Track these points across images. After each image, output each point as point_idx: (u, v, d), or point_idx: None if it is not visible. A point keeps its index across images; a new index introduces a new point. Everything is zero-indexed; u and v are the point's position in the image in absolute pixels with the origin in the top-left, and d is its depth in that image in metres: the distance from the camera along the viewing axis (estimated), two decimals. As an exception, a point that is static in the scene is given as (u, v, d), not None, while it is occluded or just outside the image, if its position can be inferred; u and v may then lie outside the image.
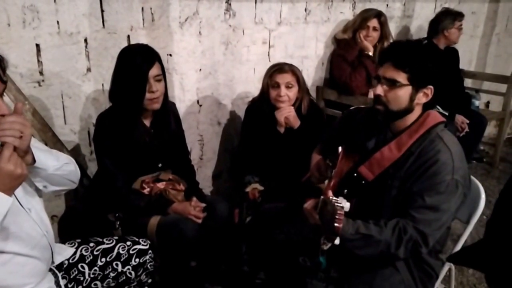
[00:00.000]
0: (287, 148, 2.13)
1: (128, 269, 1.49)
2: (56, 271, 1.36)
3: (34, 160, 1.17)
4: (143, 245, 1.54)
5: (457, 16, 3.10)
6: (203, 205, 1.86)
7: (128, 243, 1.52)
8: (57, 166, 1.27)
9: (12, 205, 1.07)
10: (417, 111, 1.45)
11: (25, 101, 1.76)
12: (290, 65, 2.11)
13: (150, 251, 1.55)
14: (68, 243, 1.47)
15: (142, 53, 1.69)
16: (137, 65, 1.65)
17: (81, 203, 1.44)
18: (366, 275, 1.43)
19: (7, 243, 1.15)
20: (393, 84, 1.39)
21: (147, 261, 1.54)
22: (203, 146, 2.56)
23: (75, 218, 2.02)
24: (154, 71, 1.67)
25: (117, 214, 1.79)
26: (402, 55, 1.39)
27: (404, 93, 1.39)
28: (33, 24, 1.76)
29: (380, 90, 1.41)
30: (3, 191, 1.04)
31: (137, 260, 1.51)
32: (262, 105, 2.15)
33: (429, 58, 1.40)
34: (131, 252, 1.50)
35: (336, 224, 1.20)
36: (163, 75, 1.73)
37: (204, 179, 2.59)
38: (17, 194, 1.18)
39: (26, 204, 1.22)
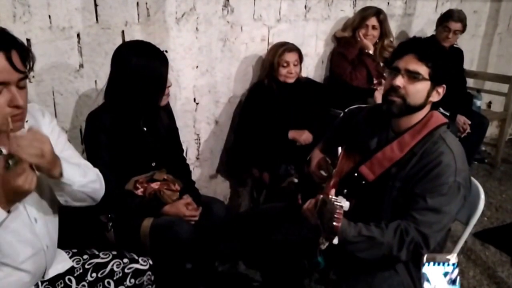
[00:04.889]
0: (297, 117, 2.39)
1: None
2: (38, 282, 1.28)
3: (61, 174, 1.13)
4: (141, 264, 1.42)
5: (445, 16, 3.05)
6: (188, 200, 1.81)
7: (125, 260, 1.41)
8: (83, 183, 1.22)
9: (15, 217, 1.06)
10: (425, 110, 1.43)
11: (15, 98, 1.71)
12: (293, 44, 2.39)
13: (149, 272, 1.43)
14: (64, 252, 1.40)
15: (156, 56, 1.65)
16: (155, 69, 1.63)
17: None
18: (365, 277, 1.41)
19: None
20: (415, 76, 1.36)
21: (144, 283, 1.42)
22: (199, 145, 2.51)
23: (65, 219, 1.96)
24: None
25: (109, 215, 1.74)
26: (426, 49, 1.37)
27: (423, 88, 1.38)
28: (23, 18, 1.71)
29: (400, 81, 1.38)
30: (2, 202, 1.02)
31: (132, 280, 1.39)
32: (271, 84, 2.37)
33: (448, 56, 1.40)
34: (126, 271, 1.39)
35: (334, 223, 1.19)
36: None
37: (201, 179, 2.54)
38: (25, 202, 1.14)
39: (33, 213, 1.17)
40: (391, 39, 2.83)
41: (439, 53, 1.39)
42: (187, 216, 1.74)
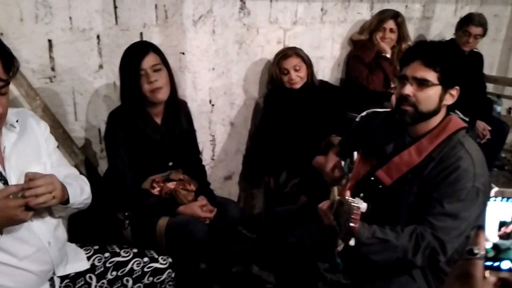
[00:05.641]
0: (310, 122, 2.34)
1: (139, 287, 1.40)
2: (56, 282, 1.29)
3: (68, 201, 1.20)
4: (161, 263, 1.45)
5: (465, 20, 3.00)
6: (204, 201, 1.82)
7: (146, 259, 1.43)
8: (80, 201, 1.28)
9: None
10: (441, 114, 1.41)
11: (36, 97, 1.75)
12: (293, 48, 2.33)
13: (169, 270, 1.46)
14: (85, 249, 1.42)
15: (134, 46, 1.72)
16: (129, 58, 1.68)
17: (90, 201, 1.40)
18: (381, 282, 1.39)
19: None
20: (423, 83, 1.34)
21: (165, 280, 1.44)
22: (214, 146, 2.52)
23: (84, 216, 1.99)
24: (149, 61, 1.66)
25: (126, 213, 1.76)
26: (432, 54, 1.35)
27: (434, 93, 1.35)
28: (45, 20, 1.75)
29: (409, 90, 1.35)
30: None
31: (150, 279, 1.41)
32: (281, 91, 2.34)
33: (458, 57, 1.36)
34: (145, 269, 1.42)
35: (352, 224, 1.19)
36: (165, 66, 1.71)
37: (215, 180, 2.55)
38: None
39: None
40: (409, 43, 2.79)
41: (447, 56, 1.36)
42: (201, 217, 1.75)
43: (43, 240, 1.21)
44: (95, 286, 1.35)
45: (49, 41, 1.78)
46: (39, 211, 1.21)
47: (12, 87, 1.67)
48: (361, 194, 1.46)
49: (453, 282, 0.65)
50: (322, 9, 2.64)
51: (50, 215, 1.26)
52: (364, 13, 2.86)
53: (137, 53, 1.67)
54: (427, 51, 1.36)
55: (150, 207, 1.72)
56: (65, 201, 1.20)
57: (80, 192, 1.28)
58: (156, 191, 1.78)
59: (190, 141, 1.96)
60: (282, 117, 2.36)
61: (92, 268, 1.37)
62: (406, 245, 1.29)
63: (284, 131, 2.35)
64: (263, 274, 2.20)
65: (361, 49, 2.74)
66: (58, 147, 1.40)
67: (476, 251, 0.64)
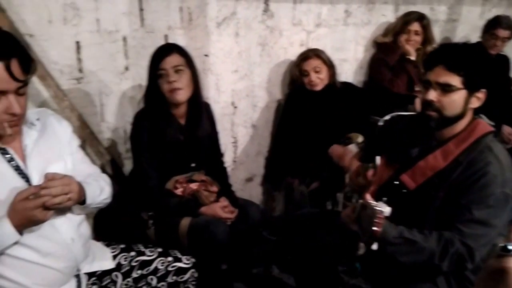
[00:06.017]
0: (330, 125, 2.32)
1: (163, 285, 1.42)
2: (83, 279, 1.31)
3: (84, 201, 1.23)
4: (185, 263, 1.46)
5: (492, 23, 2.93)
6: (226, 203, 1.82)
7: (170, 258, 1.45)
8: (99, 201, 1.31)
9: None
10: (468, 117, 1.38)
11: (64, 98, 1.79)
12: (314, 50, 2.32)
13: (192, 270, 1.47)
14: (111, 248, 1.44)
15: (160, 47, 1.75)
16: (152, 58, 1.71)
17: (115, 200, 1.42)
18: (403, 289, 1.37)
19: (16, 248, 1.13)
20: (447, 88, 1.31)
21: (188, 280, 1.46)
22: (236, 148, 2.53)
23: (110, 215, 2.03)
24: (171, 61, 1.68)
25: (150, 213, 1.79)
26: (455, 58, 1.32)
27: (459, 97, 1.32)
28: (73, 22, 1.79)
29: (432, 95, 1.33)
30: (16, 226, 1.07)
31: (174, 278, 1.43)
32: (301, 93, 2.35)
33: (483, 59, 1.33)
34: (169, 269, 1.43)
35: (374, 228, 1.17)
36: (189, 68, 1.73)
37: (236, 182, 2.56)
38: None
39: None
40: (434, 45, 2.75)
41: (470, 59, 1.32)
42: (223, 218, 1.75)
43: (66, 236, 1.22)
44: (121, 284, 1.37)
45: (77, 43, 1.82)
46: (60, 209, 1.23)
47: (41, 88, 1.72)
48: (384, 199, 1.44)
49: (487, 279, 0.64)
50: (346, 11, 2.63)
51: (72, 212, 1.28)
52: (389, 15, 2.83)
53: (160, 53, 1.69)
54: (450, 55, 1.33)
55: (173, 207, 1.74)
56: (82, 201, 1.22)
57: (99, 192, 1.30)
58: (179, 191, 1.80)
59: (213, 142, 1.98)
60: (301, 119, 2.35)
61: (118, 267, 1.39)
62: (434, 249, 1.27)
63: (303, 133, 2.34)
64: (283, 276, 2.19)
65: (385, 52, 2.72)
66: (85, 147, 1.43)
67: (510, 247, 0.63)
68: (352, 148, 2.21)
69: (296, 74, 2.35)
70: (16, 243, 1.11)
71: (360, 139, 2.25)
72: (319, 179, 2.27)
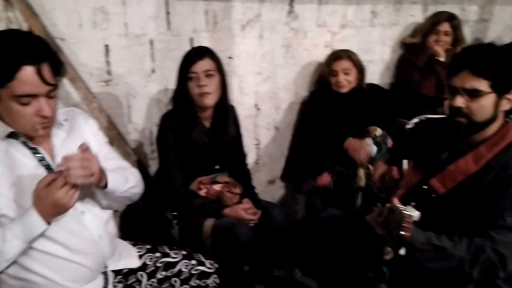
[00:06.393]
0: (352, 128, 2.28)
1: None
2: (110, 277, 1.33)
3: (106, 185, 1.20)
4: (207, 267, 1.46)
5: None
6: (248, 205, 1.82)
7: (193, 262, 1.45)
8: (124, 189, 1.28)
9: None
10: (500, 120, 1.33)
11: (93, 99, 1.84)
12: (346, 51, 2.28)
13: (215, 275, 1.47)
14: (137, 248, 1.46)
15: (193, 50, 1.77)
16: (184, 61, 1.72)
17: (141, 200, 1.44)
18: (431, 298, 1.33)
19: (47, 244, 1.15)
20: (475, 94, 1.26)
21: (210, 285, 1.46)
22: (259, 150, 2.53)
23: (136, 214, 2.07)
24: (203, 66, 1.69)
25: (174, 213, 1.81)
26: (480, 61, 1.26)
27: (488, 101, 1.27)
28: (102, 25, 1.83)
29: (460, 101, 1.28)
30: (42, 215, 1.08)
31: (197, 281, 1.43)
32: (326, 93, 2.32)
33: (510, 60, 1.27)
34: (192, 272, 1.44)
35: (402, 233, 1.15)
36: (219, 73, 1.74)
37: (259, 183, 2.55)
38: None
39: (80, 207, 1.22)
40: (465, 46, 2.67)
41: (496, 60, 1.26)
42: (246, 219, 1.76)
43: (94, 233, 1.25)
44: (145, 284, 1.39)
45: (106, 46, 1.87)
46: (88, 205, 1.25)
47: (71, 89, 1.78)
48: (413, 203, 1.41)
49: None
50: (372, 12, 2.59)
51: (100, 208, 1.30)
52: (417, 16, 2.77)
53: (192, 56, 1.71)
54: (474, 59, 1.27)
55: (196, 208, 1.75)
56: (104, 186, 1.21)
57: (123, 181, 1.29)
58: (203, 192, 1.81)
59: (237, 145, 1.99)
60: (323, 119, 2.33)
61: (143, 267, 1.41)
62: (464, 256, 1.23)
63: (324, 134, 2.31)
64: (306, 280, 2.17)
65: (413, 53, 2.66)
66: (112, 147, 1.45)
67: None
68: (368, 141, 2.18)
69: (324, 72, 2.33)
70: (43, 235, 1.13)
71: (378, 132, 2.22)
72: (332, 173, 2.26)
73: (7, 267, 1.14)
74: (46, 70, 1.08)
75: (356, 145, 2.21)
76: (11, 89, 1.05)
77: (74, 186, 1.08)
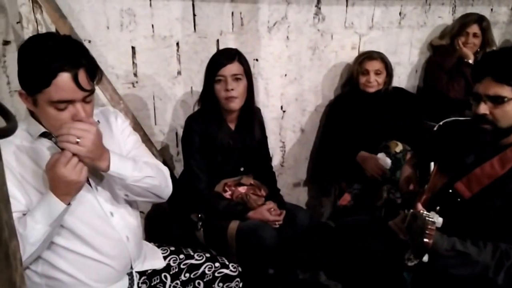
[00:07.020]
0: (377, 130, 2.26)
1: None
2: (135, 277, 1.34)
3: (108, 167, 1.14)
4: (231, 270, 1.46)
5: None
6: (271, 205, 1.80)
7: (217, 264, 1.45)
8: (137, 178, 1.21)
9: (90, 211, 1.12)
10: None
11: (120, 101, 1.85)
12: (379, 53, 2.30)
13: (237, 279, 1.46)
14: (162, 249, 1.47)
15: (223, 52, 1.77)
16: (212, 62, 1.72)
17: (167, 201, 1.44)
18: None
19: (75, 243, 1.17)
20: (499, 100, 1.25)
21: None
22: (284, 153, 2.51)
23: (161, 216, 2.08)
24: (231, 69, 1.68)
25: (199, 215, 1.81)
26: (502, 67, 1.24)
27: None
28: (129, 27, 1.85)
29: (484, 108, 1.27)
30: (59, 195, 1.07)
31: (220, 284, 1.43)
32: (353, 94, 2.33)
33: None
34: (216, 274, 1.43)
35: (425, 240, 1.13)
36: (246, 77, 1.73)
37: (284, 186, 2.54)
38: (99, 198, 1.22)
39: (108, 208, 1.23)
40: (494, 49, 2.60)
41: None
42: (270, 220, 1.74)
43: (122, 235, 1.26)
44: (169, 285, 1.40)
45: (133, 48, 1.89)
46: (117, 206, 1.25)
47: (98, 91, 1.80)
48: (438, 208, 1.38)
49: None
50: (400, 13, 2.54)
51: (131, 207, 1.31)
52: (446, 17, 2.70)
53: (221, 59, 1.70)
54: (497, 65, 1.25)
55: (221, 210, 1.75)
56: (106, 168, 1.15)
57: (132, 168, 1.21)
58: (228, 194, 1.81)
59: (262, 147, 1.98)
60: (350, 120, 2.31)
61: (168, 268, 1.42)
62: (488, 262, 1.21)
63: (351, 135, 2.29)
64: (331, 283, 2.14)
65: (441, 55, 2.60)
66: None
67: None
68: (381, 156, 2.14)
69: (356, 71, 2.31)
70: (74, 234, 1.14)
71: (399, 148, 2.16)
72: (351, 191, 2.23)
73: (34, 261, 1.15)
74: (82, 76, 1.07)
75: (365, 158, 2.18)
76: (47, 94, 1.06)
77: (82, 159, 1.06)
